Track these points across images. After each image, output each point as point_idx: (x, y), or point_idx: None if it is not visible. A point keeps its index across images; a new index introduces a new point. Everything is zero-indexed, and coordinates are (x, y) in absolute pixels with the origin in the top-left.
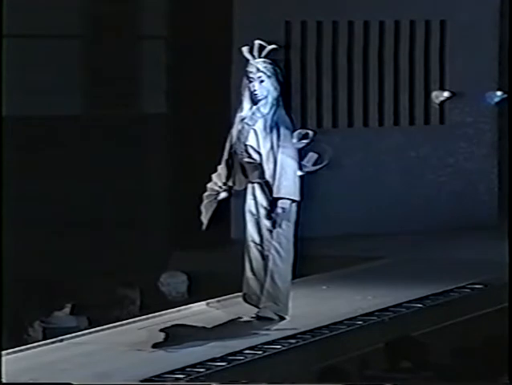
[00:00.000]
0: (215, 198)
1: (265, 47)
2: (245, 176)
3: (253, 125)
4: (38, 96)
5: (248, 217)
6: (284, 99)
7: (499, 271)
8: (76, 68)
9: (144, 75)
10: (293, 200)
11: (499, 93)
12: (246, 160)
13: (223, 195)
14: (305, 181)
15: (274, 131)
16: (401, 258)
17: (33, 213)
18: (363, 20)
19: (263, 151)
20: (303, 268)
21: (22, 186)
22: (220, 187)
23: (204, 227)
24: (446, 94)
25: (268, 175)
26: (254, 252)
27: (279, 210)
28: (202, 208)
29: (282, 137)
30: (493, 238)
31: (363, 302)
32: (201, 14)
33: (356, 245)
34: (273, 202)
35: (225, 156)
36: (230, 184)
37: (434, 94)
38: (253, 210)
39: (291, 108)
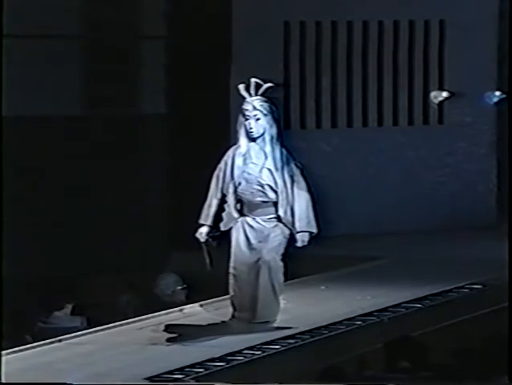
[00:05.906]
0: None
1: (261, 85)
2: (241, 214)
3: (264, 164)
4: (38, 96)
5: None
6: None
7: (499, 271)
8: (76, 68)
9: (144, 75)
10: (311, 233)
11: (498, 93)
12: (260, 199)
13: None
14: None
15: (285, 168)
16: (401, 258)
17: (32, 213)
18: (362, 20)
19: (278, 189)
20: (303, 268)
21: (22, 186)
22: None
23: (208, 268)
24: (445, 94)
25: (282, 211)
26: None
27: (299, 243)
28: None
29: (295, 171)
30: (492, 238)
31: (362, 302)
32: (201, 14)
33: (356, 245)
34: (293, 236)
35: (218, 194)
36: (209, 223)
37: (433, 94)
38: (243, 243)
39: (290, 109)
